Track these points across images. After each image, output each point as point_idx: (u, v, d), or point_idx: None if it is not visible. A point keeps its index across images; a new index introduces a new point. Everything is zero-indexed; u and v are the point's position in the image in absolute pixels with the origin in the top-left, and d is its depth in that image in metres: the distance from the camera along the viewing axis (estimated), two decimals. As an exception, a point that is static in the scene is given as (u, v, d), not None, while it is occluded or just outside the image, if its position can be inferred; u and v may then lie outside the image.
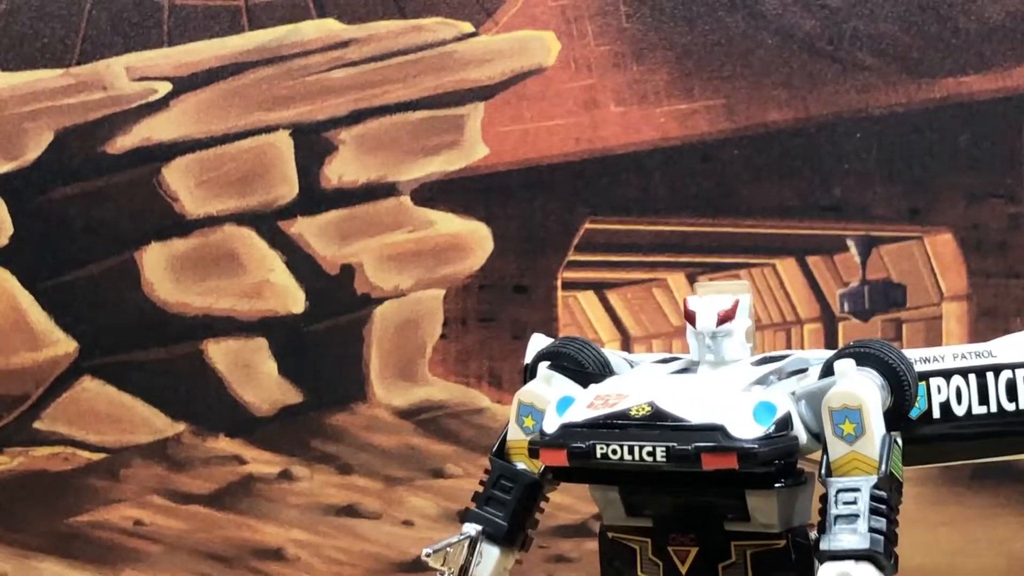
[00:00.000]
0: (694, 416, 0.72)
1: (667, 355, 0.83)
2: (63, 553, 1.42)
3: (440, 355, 1.39)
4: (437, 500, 1.40)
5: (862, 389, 0.73)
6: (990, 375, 0.78)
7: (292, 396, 1.40)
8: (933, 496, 1.39)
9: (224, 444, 1.40)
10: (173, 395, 1.40)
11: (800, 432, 0.74)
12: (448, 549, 0.79)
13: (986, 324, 1.38)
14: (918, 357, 0.79)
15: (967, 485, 1.39)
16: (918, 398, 0.78)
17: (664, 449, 0.71)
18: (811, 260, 1.40)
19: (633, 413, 0.73)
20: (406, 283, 1.40)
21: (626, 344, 1.39)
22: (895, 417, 0.75)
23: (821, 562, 0.71)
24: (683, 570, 0.76)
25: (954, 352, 0.78)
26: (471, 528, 0.80)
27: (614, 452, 0.72)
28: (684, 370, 0.80)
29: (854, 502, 0.72)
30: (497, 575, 0.81)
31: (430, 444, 1.40)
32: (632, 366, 0.83)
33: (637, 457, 0.72)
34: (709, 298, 0.78)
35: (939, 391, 0.79)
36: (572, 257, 1.39)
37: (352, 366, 1.40)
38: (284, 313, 1.40)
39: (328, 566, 1.40)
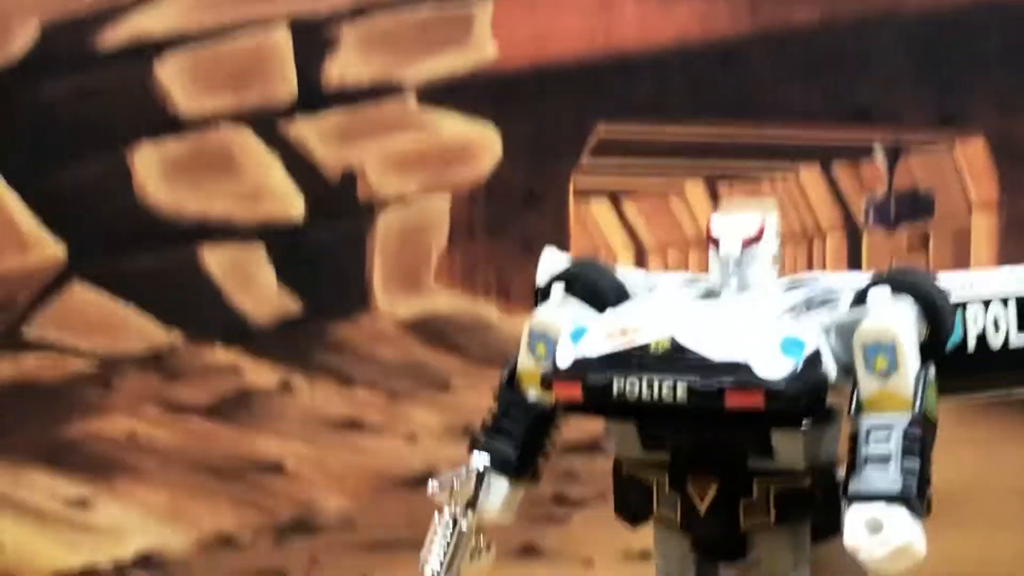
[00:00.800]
0: (717, 352, 0.70)
1: (688, 275, 0.80)
2: (55, 464, 1.41)
3: (446, 265, 1.37)
4: (442, 415, 1.38)
5: (896, 323, 0.70)
6: None
7: (291, 305, 1.38)
8: (956, 415, 1.36)
9: (220, 354, 1.38)
10: (167, 303, 1.38)
11: (830, 367, 0.71)
12: (455, 483, 0.77)
13: (1017, 235, 1.36)
14: (956, 283, 0.75)
15: (994, 404, 1.37)
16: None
17: (685, 386, 0.69)
18: (835, 167, 1.37)
19: (653, 347, 0.71)
20: (410, 189, 1.37)
21: (640, 255, 1.37)
22: (930, 350, 0.72)
23: (849, 504, 0.69)
24: (702, 508, 0.74)
25: (993, 277, 0.75)
26: (479, 460, 0.78)
27: (632, 388, 0.70)
28: (707, 294, 0.77)
29: (886, 441, 0.69)
30: (507, 507, 0.79)
31: (435, 357, 1.38)
32: (650, 289, 0.80)
33: (656, 394, 0.69)
34: (733, 220, 0.75)
35: (975, 320, 0.75)
36: (585, 163, 1.36)
37: (354, 275, 1.37)
38: (283, 219, 1.37)
39: (329, 481, 1.39)
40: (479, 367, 1.36)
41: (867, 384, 0.70)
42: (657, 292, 0.79)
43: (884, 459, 0.69)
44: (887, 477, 0.68)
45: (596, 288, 0.78)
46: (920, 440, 0.69)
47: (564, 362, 0.72)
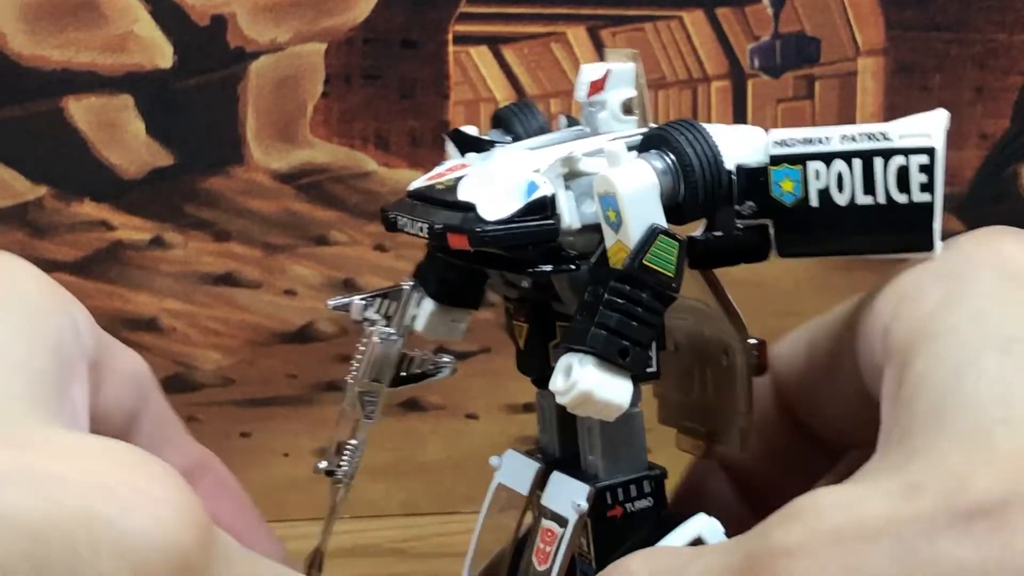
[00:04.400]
0: (462, 193, 0.75)
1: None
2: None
3: (322, 115, 1.36)
4: (321, 268, 1.38)
5: (619, 175, 0.71)
6: (878, 161, 0.72)
7: (162, 158, 1.36)
8: (843, 262, 1.39)
9: (89, 209, 1.37)
10: (32, 156, 1.36)
11: (567, 214, 0.73)
12: (379, 299, 0.84)
13: (903, 80, 1.38)
14: (801, 137, 0.74)
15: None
16: (780, 185, 0.74)
17: (425, 225, 0.74)
18: (720, 12, 1.38)
19: (438, 187, 0.76)
20: (284, 36, 1.35)
21: None
22: (687, 207, 0.74)
23: (560, 353, 0.73)
24: (521, 345, 0.81)
25: (843, 133, 0.73)
26: (408, 282, 0.84)
27: (404, 225, 0.76)
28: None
29: (594, 294, 0.72)
30: (431, 327, 0.85)
31: (313, 210, 1.38)
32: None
33: (414, 231, 0.75)
34: (589, 66, 0.79)
35: (817, 176, 0.74)
36: (464, 9, 1.35)
37: (227, 126, 1.36)
38: (151, 68, 1.35)
39: (206, 337, 1.39)
40: (357, 219, 1.37)
41: (608, 236, 0.73)
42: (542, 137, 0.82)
43: (590, 310, 0.71)
44: (581, 329, 0.71)
45: (514, 129, 0.82)
46: (627, 295, 0.71)
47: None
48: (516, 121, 0.81)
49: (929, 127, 0.72)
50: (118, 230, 1.37)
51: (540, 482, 0.83)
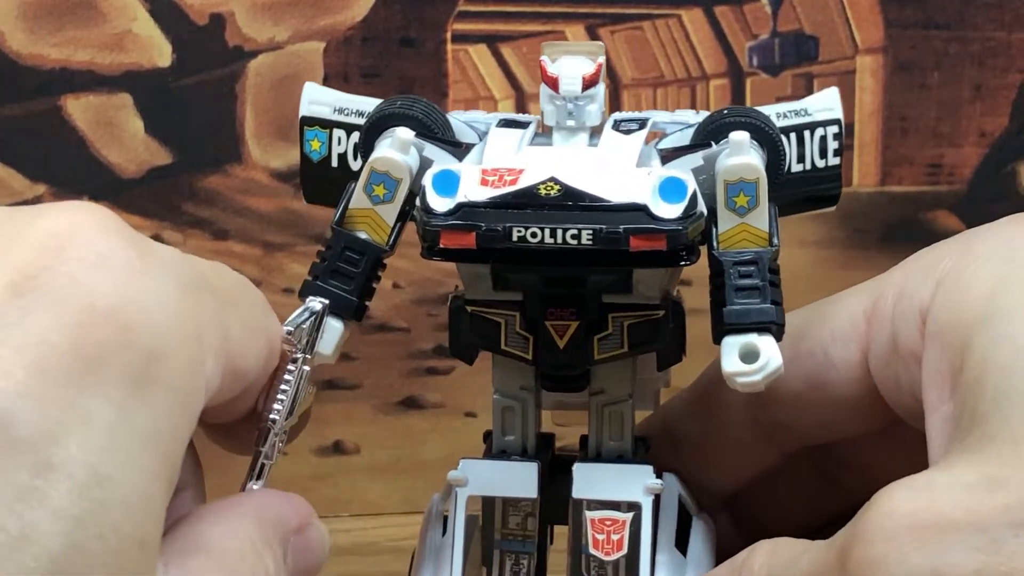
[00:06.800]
0: (612, 195, 0.74)
1: (506, 115, 0.84)
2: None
3: None
4: (319, 267, 1.37)
5: (759, 162, 0.77)
6: (807, 133, 0.82)
7: (161, 157, 1.37)
8: (841, 260, 1.39)
9: None
10: (31, 155, 1.37)
11: (702, 206, 0.76)
12: (304, 327, 0.79)
13: (902, 78, 1.39)
14: None
15: (877, 248, 1.40)
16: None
17: (591, 232, 0.73)
18: (719, 10, 1.39)
19: (542, 192, 0.74)
20: (282, 35, 1.36)
21: (521, 101, 1.38)
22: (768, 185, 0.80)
23: (723, 334, 0.75)
24: (561, 344, 0.79)
25: (777, 111, 0.82)
26: (316, 302, 0.80)
27: (534, 235, 0.73)
28: (539, 135, 0.81)
29: (751, 275, 0.75)
30: (338, 349, 0.82)
31: (311, 208, 1.35)
32: (477, 130, 0.83)
33: (560, 240, 0.73)
34: (571, 61, 0.79)
35: None
36: (463, 7, 1.36)
37: (225, 125, 1.37)
38: (149, 67, 1.36)
39: None
40: (356, 218, 1.36)
41: (725, 220, 0.76)
42: (497, 133, 0.81)
43: (753, 291, 0.75)
44: (759, 308, 0.75)
45: (431, 128, 0.81)
46: (778, 272, 0.76)
47: (442, 207, 0.75)
48: (432, 121, 0.80)
49: (832, 102, 0.83)
50: (117, 229, 1.36)
51: (545, 481, 0.83)
